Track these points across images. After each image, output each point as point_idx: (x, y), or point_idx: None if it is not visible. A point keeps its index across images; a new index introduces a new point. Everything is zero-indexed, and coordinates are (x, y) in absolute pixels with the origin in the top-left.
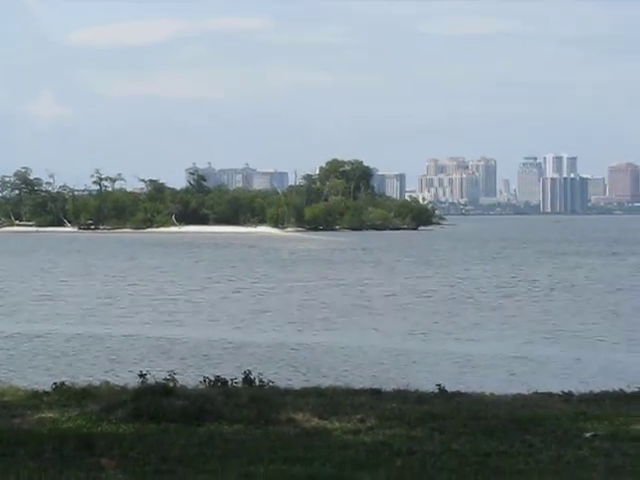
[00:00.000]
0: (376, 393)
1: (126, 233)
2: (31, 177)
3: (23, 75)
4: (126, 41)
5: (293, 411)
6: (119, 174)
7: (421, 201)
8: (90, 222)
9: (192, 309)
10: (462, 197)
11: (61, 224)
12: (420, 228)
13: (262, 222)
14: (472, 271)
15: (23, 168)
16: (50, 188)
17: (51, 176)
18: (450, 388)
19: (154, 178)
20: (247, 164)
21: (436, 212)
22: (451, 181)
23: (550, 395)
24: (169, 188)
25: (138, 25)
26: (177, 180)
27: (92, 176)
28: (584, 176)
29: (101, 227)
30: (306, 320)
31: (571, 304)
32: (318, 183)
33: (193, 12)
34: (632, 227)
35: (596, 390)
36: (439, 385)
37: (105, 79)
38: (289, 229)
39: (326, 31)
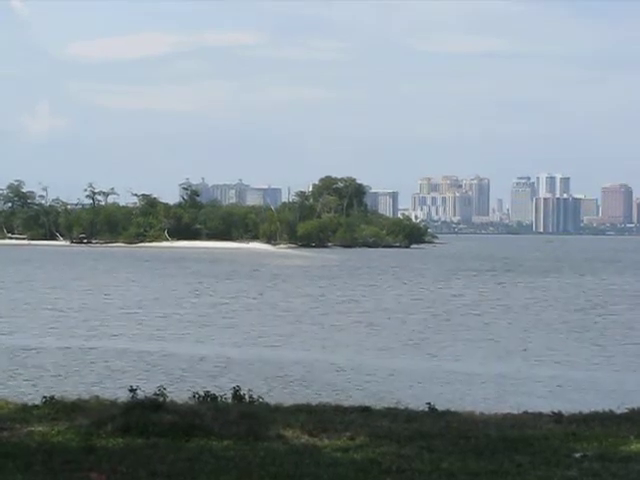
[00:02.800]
0: (366, 411)
1: (118, 247)
2: (24, 190)
3: (18, 87)
4: (122, 54)
5: (283, 428)
6: (112, 188)
7: (414, 219)
8: (83, 236)
9: (178, 324)
10: (455, 216)
11: (53, 238)
12: (412, 246)
13: (255, 238)
14: (458, 290)
15: (16, 181)
16: (43, 201)
17: (44, 189)
18: (439, 406)
19: (147, 193)
20: (240, 180)
21: (429, 230)
22: (444, 200)
23: (540, 415)
24: (162, 203)
25: (135, 38)
26: (170, 195)
27: (85, 190)
28: (577, 196)
29: (93, 241)
30: (292, 337)
31: (551, 324)
32: (311, 200)
33: (189, 26)
34: (624, 247)
35: (586, 411)
36: (429, 403)
37: (100, 92)
38: (281, 245)
39: (321, 47)
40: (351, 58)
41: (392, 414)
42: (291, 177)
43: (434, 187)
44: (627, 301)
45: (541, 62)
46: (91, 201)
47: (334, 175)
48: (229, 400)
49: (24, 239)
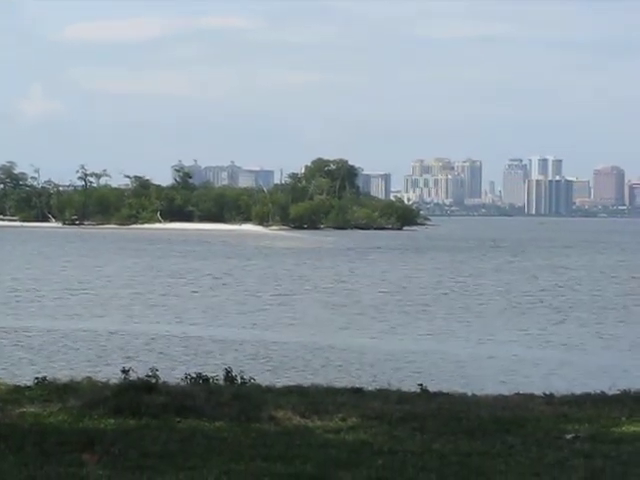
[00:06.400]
0: (358, 392)
1: (111, 229)
2: (16, 172)
3: (12, 69)
4: (117, 38)
5: (275, 409)
6: (104, 170)
7: (406, 201)
8: (75, 218)
9: (163, 305)
10: (447, 198)
11: (46, 219)
12: (405, 228)
13: (247, 220)
14: (444, 271)
15: (8, 162)
16: (35, 183)
17: (36, 171)
18: (431, 388)
19: (140, 174)
20: (233, 162)
21: (421, 213)
22: (436, 182)
23: (532, 396)
24: (154, 185)
25: (129, 22)
26: (163, 177)
27: (77, 172)
28: (569, 179)
29: (86, 223)
30: (280, 317)
31: (546, 305)
32: (303, 182)
33: (184, 10)
34: (614, 229)
35: (578, 392)
36: (421, 385)
37: (94, 75)
38: (274, 227)
39: (315, 30)
40: (347, 43)
41: (384, 395)
42: (283, 159)
43: (426, 169)
44: (611, 280)
45: (538, 47)
46: (83, 183)
47: (326, 157)
48: (221, 382)
49: (16, 221)
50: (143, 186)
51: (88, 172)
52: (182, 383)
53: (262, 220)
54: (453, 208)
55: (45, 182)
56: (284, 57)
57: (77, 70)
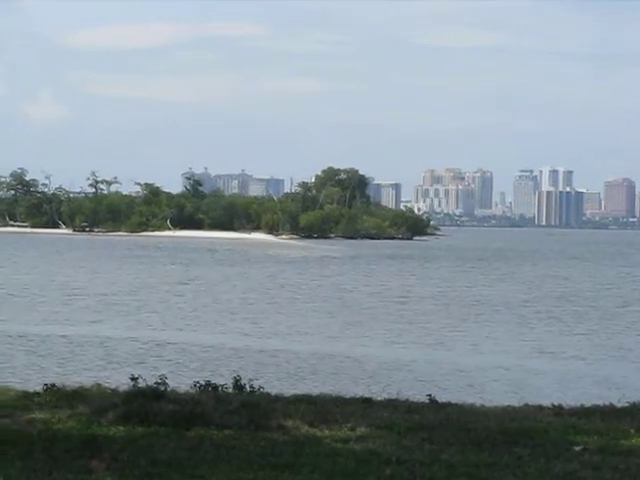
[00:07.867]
0: (367, 402)
1: (120, 236)
2: (27, 178)
3: (21, 75)
4: (124, 44)
5: (283, 418)
6: (115, 177)
7: (416, 211)
8: (85, 224)
9: (176, 312)
10: (457, 208)
11: (56, 226)
12: (415, 238)
13: (257, 228)
14: (453, 282)
15: (19, 169)
16: (46, 189)
17: (47, 177)
18: (440, 398)
19: (150, 182)
20: (243, 170)
21: (431, 223)
22: (447, 192)
23: (540, 408)
24: (165, 192)
25: (137, 28)
26: (173, 185)
27: (88, 179)
28: (580, 190)
29: (96, 230)
30: (291, 327)
31: (554, 316)
32: (314, 191)
33: (191, 17)
34: (622, 241)
35: (587, 404)
36: (430, 395)
37: (103, 81)
38: (283, 236)
39: (323, 39)
40: (352, 51)
41: (393, 405)
42: (294, 168)
43: (437, 179)
44: (617, 292)
45: (544, 57)
46: (94, 190)
47: (337, 166)
48: (230, 390)
49: (26, 227)
50: (153, 193)
51: (99, 179)
52: (191, 391)
53: (272, 229)
54: (463, 218)
55: (56, 189)
56: (292, 65)
57: (86, 75)
